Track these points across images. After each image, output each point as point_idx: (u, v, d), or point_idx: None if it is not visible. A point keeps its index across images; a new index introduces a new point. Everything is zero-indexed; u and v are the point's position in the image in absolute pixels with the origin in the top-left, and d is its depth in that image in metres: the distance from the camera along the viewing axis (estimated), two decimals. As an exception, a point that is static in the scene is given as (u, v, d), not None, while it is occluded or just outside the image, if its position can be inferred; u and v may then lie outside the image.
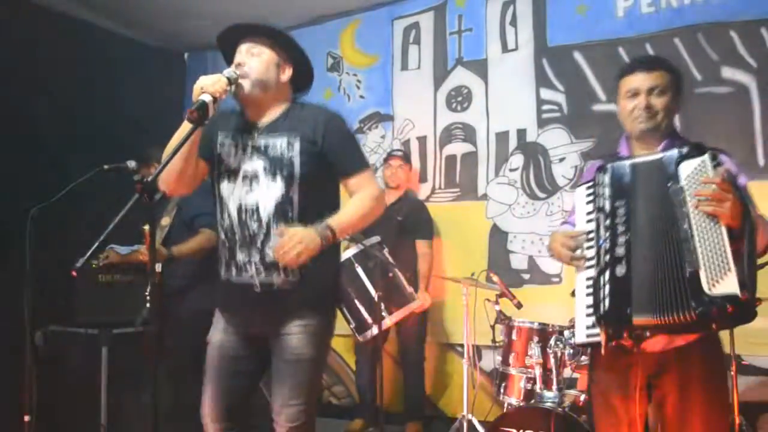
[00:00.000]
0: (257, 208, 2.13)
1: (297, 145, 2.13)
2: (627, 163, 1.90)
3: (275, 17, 4.76)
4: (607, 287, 1.81)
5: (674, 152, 1.81)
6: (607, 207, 1.88)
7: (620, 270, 1.80)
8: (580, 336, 1.90)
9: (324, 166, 2.17)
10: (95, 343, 3.50)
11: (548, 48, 4.27)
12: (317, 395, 2.24)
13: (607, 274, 1.82)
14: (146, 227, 3.16)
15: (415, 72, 4.77)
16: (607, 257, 1.84)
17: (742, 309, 1.65)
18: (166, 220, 3.31)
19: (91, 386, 3.46)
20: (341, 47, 5.07)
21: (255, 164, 2.15)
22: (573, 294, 1.95)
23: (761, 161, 3.57)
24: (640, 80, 1.96)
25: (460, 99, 4.58)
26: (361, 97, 4.97)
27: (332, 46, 5.09)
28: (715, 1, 3.74)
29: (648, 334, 1.82)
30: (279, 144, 2.14)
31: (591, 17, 4.12)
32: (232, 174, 2.18)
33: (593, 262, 1.88)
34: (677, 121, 3.70)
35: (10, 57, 4.04)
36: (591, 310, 1.86)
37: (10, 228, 3.24)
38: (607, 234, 1.85)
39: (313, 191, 2.15)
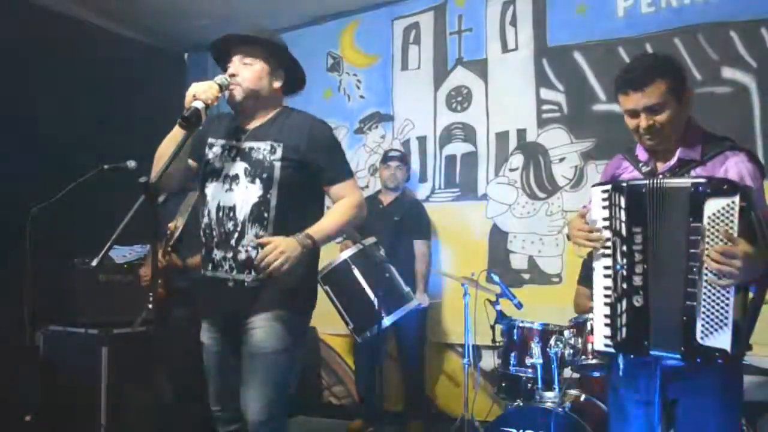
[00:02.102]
0: (234, 208, 2.19)
1: (279, 151, 2.19)
2: (643, 184, 1.80)
3: (275, 17, 4.77)
4: (625, 316, 1.79)
5: (704, 184, 1.69)
6: (624, 231, 1.81)
7: (638, 300, 1.77)
8: (599, 344, 1.88)
9: (305, 172, 2.22)
10: (95, 343, 3.50)
11: (548, 48, 4.26)
12: (286, 391, 2.20)
13: (624, 302, 1.79)
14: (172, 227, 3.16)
15: (415, 72, 4.77)
16: (624, 285, 1.80)
17: (729, 359, 1.66)
18: (179, 221, 3.26)
19: (91, 386, 3.46)
20: (341, 47, 5.06)
21: (237, 166, 2.21)
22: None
23: (761, 161, 3.56)
24: (634, 101, 1.84)
25: (460, 99, 4.58)
26: (361, 97, 4.97)
27: (332, 46, 5.08)
28: (715, 1, 3.74)
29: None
30: (262, 148, 2.20)
31: (591, 17, 4.12)
32: (216, 175, 2.24)
33: (610, 272, 1.84)
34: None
35: (10, 57, 4.04)
36: (609, 322, 1.83)
37: (10, 228, 3.24)
38: (624, 261, 1.80)
39: (292, 196, 2.19)
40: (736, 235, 1.63)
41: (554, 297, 3.98)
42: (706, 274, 1.65)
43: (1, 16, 4.09)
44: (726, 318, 1.62)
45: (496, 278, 3.52)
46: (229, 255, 2.18)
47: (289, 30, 4.97)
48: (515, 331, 3.18)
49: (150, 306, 3.77)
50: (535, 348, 3.01)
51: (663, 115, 1.83)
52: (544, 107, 4.26)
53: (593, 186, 1.95)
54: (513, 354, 3.16)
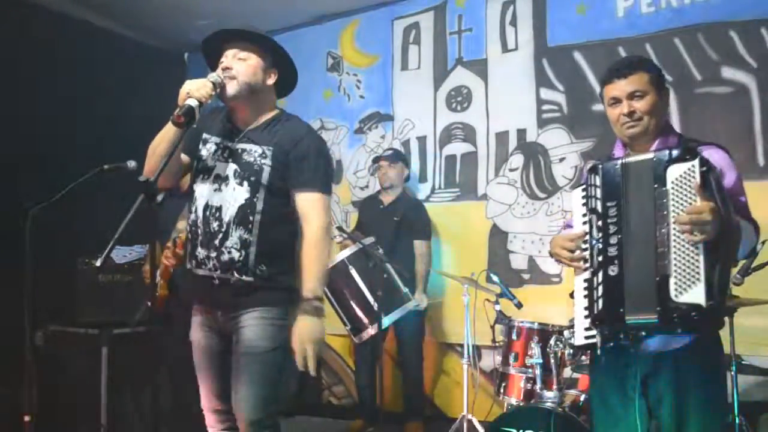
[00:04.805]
0: (220, 209, 2.17)
1: (270, 155, 2.18)
2: (618, 163, 1.89)
3: (276, 17, 4.78)
4: (601, 288, 1.82)
5: (665, 153, 1.80)
6: (599, 208, 1.88)
7: (613, 270, 1.82)
8: (579, 338, 1.90)
9: (289, 179, 2.19)
10: (95, 343, 3.50)
11: (548, 48, 4.27)
12: (280, 389, 2.20)
13: (601, 274, 1.83)
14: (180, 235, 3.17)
15: (415, 72, 4.77)
16: (600, 258, 1.84)
17: (706, 316, 1.68)
18: (182, 224, 3.27)
19: (91, 386, 3.46)
20: (341, 47, 5.07)
21: (228, 167, 2.20)
22: (572, 295, 1.96)
23: (761, 161, 3.57)
24: (618, 88, 1.96)
25: (460, 99, 4.58)
26: (361, 97, 4.97)
27: (332, 46, 5.09)
28: (715, 1, 3.74)
29: (644, 334, 1.82)
30: (254, 151, 2.19)
31: (591, 17, 4.12)
32: (207, 173, 2.23)
33: (588, 264, 1.89)
34: (677, 121, 3.74)
35: (10, 57, 4.04)
36: (587, 312, 1.86)
37: (10, 228, 3.23)
38: (600, 235, 1.86)
39: (278, 202, 2.18)
40: (696, 193, 1.71)
41: (554, 297, 3.97)
42: (675, 234, 1.71)
43: (1, 16, 4.08)
44: (697, 272, 1.67)
45: (495, 278, 3.52)
46: (213, 255, 2.16)
47: (290, 30, 4.98)
48: (515, 331, 3.19)
49: (150, 304, 3.78)
50: (535, 348, 3.01)
51: (644, 101, 1.95)
52: (544, 107, 4.26)
53: (572, 188, 2.01)
54: (513, 354, 3.16)
